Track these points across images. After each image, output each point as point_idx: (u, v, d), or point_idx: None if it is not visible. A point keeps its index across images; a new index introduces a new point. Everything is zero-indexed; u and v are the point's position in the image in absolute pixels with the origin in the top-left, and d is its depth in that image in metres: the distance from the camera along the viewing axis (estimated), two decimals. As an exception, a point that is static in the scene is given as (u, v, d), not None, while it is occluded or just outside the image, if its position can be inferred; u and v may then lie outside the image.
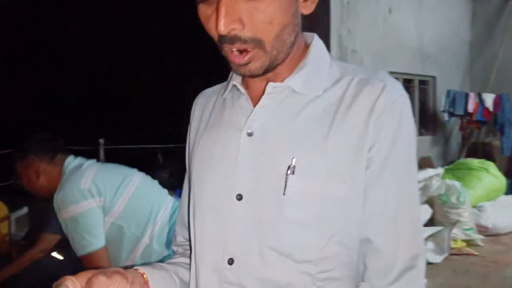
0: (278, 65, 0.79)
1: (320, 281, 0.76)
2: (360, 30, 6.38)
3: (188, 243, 0.98)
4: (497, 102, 7.04)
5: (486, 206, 5.38)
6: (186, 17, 8.09)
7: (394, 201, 0.76)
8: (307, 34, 0.87)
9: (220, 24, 0.70)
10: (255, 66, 0.75)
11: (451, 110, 7.25)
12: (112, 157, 6.48)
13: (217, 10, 0.70)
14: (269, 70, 0.78)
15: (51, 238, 2.62)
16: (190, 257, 0.92)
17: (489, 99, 7.09)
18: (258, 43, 0.73)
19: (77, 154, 2.00)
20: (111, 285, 0.71)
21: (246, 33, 0.72)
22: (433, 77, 7.78)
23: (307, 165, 0.75)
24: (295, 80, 0.80)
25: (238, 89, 0.86)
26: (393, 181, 0.76)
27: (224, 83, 0.94)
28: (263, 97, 0.81)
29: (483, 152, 7.76)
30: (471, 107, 7.09)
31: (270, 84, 0.81)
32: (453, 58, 8.02)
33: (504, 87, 7.64)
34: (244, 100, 0.85)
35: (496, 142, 7.53)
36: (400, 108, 0.77)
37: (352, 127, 0.76)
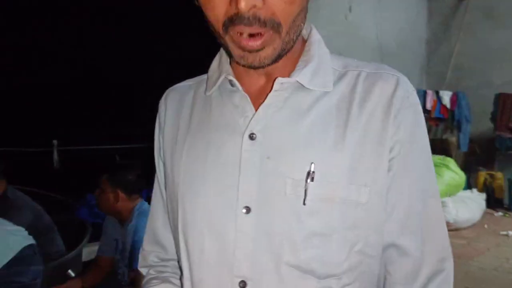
0: (283, 55, 0.69)
1: None
2: (321, 27, 6.32)
3: (163, 263, 0.86)
4: (454, 100, 7.22)
5: (448, 202, 5.49)
6: (141, 11, 7.84)
7: (419, 202, 0.72)
8: None
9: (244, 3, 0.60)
10: (266, 53, 0.66)
11: (410, 107, 7.36)
12: (67, 160, 6.17)
13: None
14: (277, 60, 0.68)
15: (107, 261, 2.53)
16: (181, 281, 0.79)
17: (446, 97, 7.25)
18: (276, 26, 0.64)
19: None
20: None
21: (265, 13, 0.63)
22: (392, 75, 7.86)
23: (326, 169, 0.68)
24: (303, 75, 0.71)
25: (231, 85, 0.74)
26: (416, 181, 0.72)
27: (197, 78, 0.82)
28: (269, 94, 0.71)
29: (441, 148, 7.95)
30: (429, 105, 7.22)
31: (279, 79, 0.71)
32: (411, 55, 8.14)
33: (460, 83, 7.84)
34: (239, 97, 0.74)
35: (453, 139, 7.72)
36: (415, 102, 0.73)
37: (369, 125, 0.70)
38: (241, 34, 0.64)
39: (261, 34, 0.64)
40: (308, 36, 0.77)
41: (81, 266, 2.86)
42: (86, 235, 2.93)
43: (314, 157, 0.68)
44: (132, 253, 2.26)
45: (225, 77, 0.74)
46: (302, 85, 0.71)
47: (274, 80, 0.72)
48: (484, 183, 7.14)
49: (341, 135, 0.69)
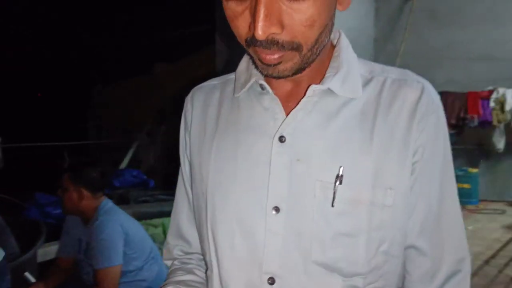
0: (307, 67, 0.71)
1: None
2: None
3: (187, 256, 0.90)
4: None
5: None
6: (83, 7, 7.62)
7: (438, 204, 0.74)
8: None
9: (258, 27, 0.61)
10: (285, 67, 0.68)
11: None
12: (12, 157, 5.90)
13: (255, 10, 0.61)
14: (299, 72, 0.70)
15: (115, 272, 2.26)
16: (206, 275, 0.82)
17: (393, 93, 7.55)
18: (296, 47, 0.66)
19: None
20: None
21: (284, 37, 0.64)
22: (343, 72, 8.08)
23: (354, 172, 0.70)
24: (334, 82, 0.73)
25: (262, 88, 0.76)
26: (437, 183, 0.74)
27: (222, 78, 0.84)
28: (302, 100, 0.73)
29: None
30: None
31: (313, 86, 0.73)
32: (361, 53, 8.29)
33: (406, 81, 8.16)
34: (269, 100, 0.76)
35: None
36: (438, 108, 0.75)
37: (394, 130, 0.72)
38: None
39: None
40: (337, 41, 0.79)
41: (36, 268, 2.77)
42: (41, 235, 2.84)
43: (342, 161, 0.70)
44: (98, 252, 2.22)
45: (256, 80, 0.76)
46: (333, 91, 0.73)
47: (304, 85, 0.75)
48: (428, 176, 7.50)
49: (367, 139, 0.71)
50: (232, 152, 0.77)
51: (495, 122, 6.93)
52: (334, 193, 0.69)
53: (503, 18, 7.39)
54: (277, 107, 0.75)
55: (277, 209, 0.72)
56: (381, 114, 0.73)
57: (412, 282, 0.76)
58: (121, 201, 4.45)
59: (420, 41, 8.15)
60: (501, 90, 6.90)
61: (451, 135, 6.04)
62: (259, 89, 0.76)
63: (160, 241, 4.52)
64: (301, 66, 0.69)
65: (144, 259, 2.37)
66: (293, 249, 0.71)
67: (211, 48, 6.69)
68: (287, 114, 0.75)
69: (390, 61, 8.28)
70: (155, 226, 4.67)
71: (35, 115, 8.83)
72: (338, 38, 0.79)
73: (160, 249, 3.95)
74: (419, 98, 0.73)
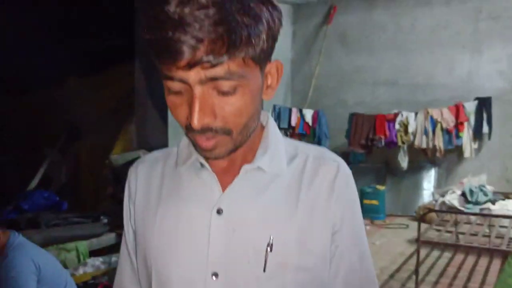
0: (238, 149, 0.81)
1: None
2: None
3: None
4: (315, 117, 7.87)
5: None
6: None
7: (358, 263, 0.87)
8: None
9: (194, 119, 0.71)
10: (220, 151, 0.77)
11: (276, 123, 7.84)
12: None
13: (192, 105, 0.71)
14: (232, 152, 0.80)
15: None
16: None
17: (308, 114, 7.88)
18: (227, 132, 0.75)
19: None
20: None
21: (217, 124, 0.74)
22: (260, 92, 8.28)
23: (281, 240, 0.79)
24: (263, 162, 0.83)
25: (202, 165, 0.85)
26: (355, 247, 0.87)
27: (164, 151, 0.92)
28: (237, 178, 0.83)
29: (303, 160, 8.60)
30: (294, 122, 7.78)
31: (245, 166, 0.83)
32: (278, 74, 8.67)
33: (320, 102, 8.57)
34: (208, 176, 0.84)
35: (314, 152, 8.40)
36: (352, 184, 0.88)
37: (315, 203, 0.83)
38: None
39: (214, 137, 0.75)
40: (266, 123, 0.89)
41: None
42: None
43: (272, 230, 0.79)
44: None
45: (196, 158, 0.84)
46: (262, 169, 0.83)
47: (238, 162, 0.85)
48: (340, 193, 7.89)
49: (292, 211, 0.81)
50: (174, 222, 0.84)
51: (399, 143, 7.48)
52: (266, 259, 0.78)
53: (405, 47, 8.03)
54: (214, 182, 0.84)
55: (216, 274, 0.80)
56: (303, 189, 0.83)
57: None
58: (30, 225, 4.21)
59: (333, 64, 8.61)
60: (404, 114, 7.48)
61: (361, 155, 6.42)
62: (199, 165, 0.85)
63: (74, 266, 4.35)
64: (233, 148, 0.79)
65: None
66: None
67: (130, 64, 6.57)
68: (223, 188, 0.83)
69: (305, 82, 8.67)
70: (68, 251, 4.49)
71: None
72: (267, 121, 0.89)
73: (73, 275, 3.80)
74: (335, 176, 0.85)
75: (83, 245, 4.76)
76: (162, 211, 0.86)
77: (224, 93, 0.72)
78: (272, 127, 0.88)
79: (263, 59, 0.75)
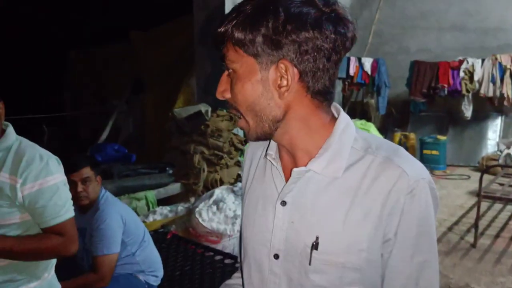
0: (270, 135, 0.92)
1: None
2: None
3: None
4: (374, 66, 7.68)
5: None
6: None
7: (415, 275, 0.88)
8: (334, 107, 0.95)
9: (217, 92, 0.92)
10: (247, 134, 0.93)
11: (334, 72, 7.75)
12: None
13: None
14: (262, 139, 0.93)
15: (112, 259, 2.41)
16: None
17: (367, 63, 7.69)
18: (236, 109, 0.91)
19: None
20: None
21: (230, 99, 0.92)
22: (318, 40, 8.13)
23: (328, 242, 0.88)
24: (317, 164, 0.89)
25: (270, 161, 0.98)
26: (411, 259, 0.87)
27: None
28: (290, 180, 0.92)
29: (361, 110, 8.51)
30: (352, 71, 7.64)
31: (295, 170, 0.91)
32: (336, 22, 8.44)
33: (380, 49, 8.33)
34: (277, 170, 0.96)
35: (372, 101, 8.27)
36: (418, 195, 0.85)
37: (370, 210, 0.86)
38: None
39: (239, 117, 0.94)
40: (337, 120, 0.92)
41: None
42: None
43: (320, 232, 0.88)
44: (98, 240, 2.36)
45: (269, 155, 0.98)
46: (316, 172, 0.90)
47: (298, 158, 0.93)
48: (399, 143, 7.80)
49: (344, 215, 0.87)
50: (256, 200, 1.01)
51: (464, 91, 7.21)
52: (311, 255, 0.89)
53: (475, -11, 7.54)
54: (281, 177, 0.96)
55: (276, 256, 0.94)
56: (360, 194, 0.87)
57: None
58: (105, 176, 4.56)
59: (395, 9, 8.26)
60: (470, 60, 7.14)
61: (422, 104, 6.27)
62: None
63: (144, 213, 4.69)
64: (259, 135, 0.91)
65: (138, 244, 2.54)
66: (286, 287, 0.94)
67: (188, 17, 6.64)
68: (287, 180, 0.94)
69: (365, 29, 8.40)
70: (138, 199, 4.83)
71: (8, 87, 8.65)
72: (338, 117, 0.93)
73: (144, 221, 4.12)
74: (395, 183, 0.85)
75: (152, 194, 5.11)
76: (252, 188, 1.04)
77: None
78: (340, 127, 0.91)
79: (259, 54, 0.85)
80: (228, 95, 0.90)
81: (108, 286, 2.38)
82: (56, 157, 1.67)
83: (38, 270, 1.67)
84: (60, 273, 2.51)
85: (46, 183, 1.57)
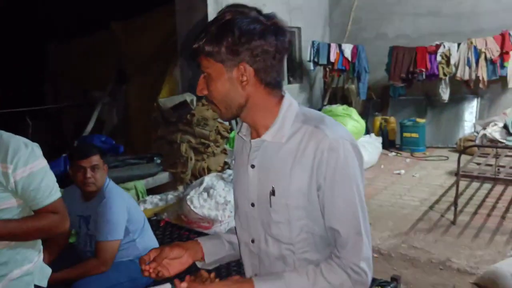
0: (237, 115, 1.24)
1: (298, 254, 1.25)
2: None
3: None
4: (354, 52, 7.83)
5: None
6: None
7: (341, 208, 1.19)
8: (283, 92, 1.27)
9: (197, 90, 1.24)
10: (220, 117, 1.26)
11: (315, 59, 7.88)
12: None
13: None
14: (232, 119, 1.28)
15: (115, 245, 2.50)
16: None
17: (347, 49, 7.84)
18: (211, 101, 1.23)
19: None
20: (171, 253, 1.29)
21: (207, 95, 1.23)
22: (299, 28, 8.25)
23: (281, 190, 1.22)
24: (269, 134, 1.24)
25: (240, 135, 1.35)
26: (339, 198, 1.19)
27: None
28: (252, 149, 1.28)
29: (342, 96, 8.67)
30: (332, 57, 7.78)
31: (253, 141, 1.28)
32: (316, 9, 8.57)
33: (359, 36, 8.48)
34: (248, 142, 1.31)
35: (353, 87, 8.44)
36: (336, 149, 1.16)
37: (306, 165, 1.18)
38: None
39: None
40: (282, 101, 1.24)
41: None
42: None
43: (275, 183, 1.22)
44: (103, 226, 2.45)
45: (240, 132, 1.35)
46: (267, 141, 1.25)
47: (260, 132, 1.26)
48: (380, 127, 7.99)
49: (289, 170, 1.19)
50: (237, 169, 1.36)
51: (441, 75, 7.42)
52: (271, 200, 1.23)
53: (450, -25, 7.71)
54: (248, 148, 1.30)
55: (253, 204, 1.29)
56: (298, 155, 1.19)
57: (336, 249, 1.21)
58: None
59: (373, -4, 8.39)
60: (446, 45, 7.34)
61: (401, 88, 6.46)
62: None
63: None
64: (228, 116, 1.24)
65: (139, 231, 2.64)
66: (260, 227, 1.28)
67: (170, 6, 6.66)
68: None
69: (344, 16, 8.54)
70: (128, 189, 4.90)
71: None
72: (283, 100, 1.24)
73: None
74: (319, 144, 1.16)
75: (141, 184, 5.18)
76: (235, 162, 1.38)
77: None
78: (284, 107, 1.23)
79: (224, 60, 1.16)
80: (205, 92, 1.21)
81: (109, 271, 2.48)
82: (37, 143, 1.78)
83: (30, 253, 1.77)
84: (62, 262, 2.58)
85: (35, 167, 1.70)
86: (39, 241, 1.84)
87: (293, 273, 1.21)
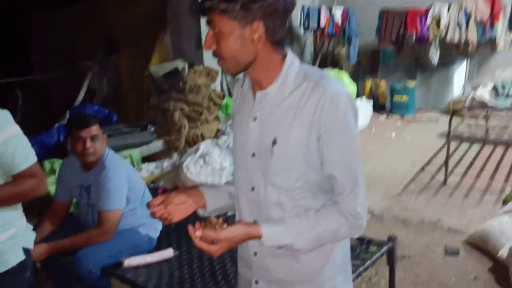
0: (244, 71, 1.29)
1: (296, 200, 1.31)
2: None
3: None
4: (344, 16, 7.77)
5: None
6: None
7: (340, 156, 1.27)
8: (286, 50, 1.33)
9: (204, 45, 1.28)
10: (227, 71, 1.31)
11: (305, 24, 7.82)
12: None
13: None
14: (238, 73, 1.31)
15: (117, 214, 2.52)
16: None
17: (338, 13, 7.78)
18: (221, 57, 1.26)
19: None
20: (177, 198, 1.35)
21: (215, 50, 1.26)
22: (288, -8, 8.11)
23: (282, 140, 1.27)
24: (272, 88, 1.30)
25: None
26: (338, 147, 1.26)
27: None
28: (255, 101, 1.34)
29: (332, 60, 8.65)
30: (323, 22, 7.72)
31: (258, 93, 1.33)
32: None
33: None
34: (250, 96, 1.37)
35: (343, 51, 8.41)
36: (336, 103, 1.22)
37: (306, 117, 1.24)
38: None
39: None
40: (285, 58, 1.30)
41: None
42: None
43: (277, 134, 1.27)
44: (104, 196, 2.47)
45: (245, 85, 1.40)
46: (270, 94, 1.31)
47: (264, 87, 1.32)
48: (370, 90, 8.04)
49: (290, 122, 1.26)
50: (239, 121, 1.40)
51: (431, 37, 7.41)
52: (272, 150, 1.28)
53: None
54: (251, 101, 1.35)
55: (253, 154, 1.33)
56: (299, 108, 1.25)
57: (334, 195, 1.30)
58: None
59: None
60: (437, 7, 7.32)
61: (391, 52, 6.45)
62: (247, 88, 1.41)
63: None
64: (235, 70, 1.29)
65: (139, 200, 2.67)
66: (260, 175, 1.33)
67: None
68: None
69: (334, -21, 8.40)
70: (124, 158, 4.92)
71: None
72: (286, 57, 1.30)
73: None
74: (319, 99, 1.22)
75: (136, 152, 5.20)
76: (236, 115, 1.44)
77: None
78: (287, 64, 1.29)
79: (238, 18, 1.19)
80: (214, 47, 1.24)
81: (111, 240, 2.51)
82: (7, 109, 1.80)
83: (13, 217, 1.82)
84: (63, 232, 2.62)
85: (9, 132, 1.73)
86: (20, 205, 1.88)
87: (295, 217, 1.29)
